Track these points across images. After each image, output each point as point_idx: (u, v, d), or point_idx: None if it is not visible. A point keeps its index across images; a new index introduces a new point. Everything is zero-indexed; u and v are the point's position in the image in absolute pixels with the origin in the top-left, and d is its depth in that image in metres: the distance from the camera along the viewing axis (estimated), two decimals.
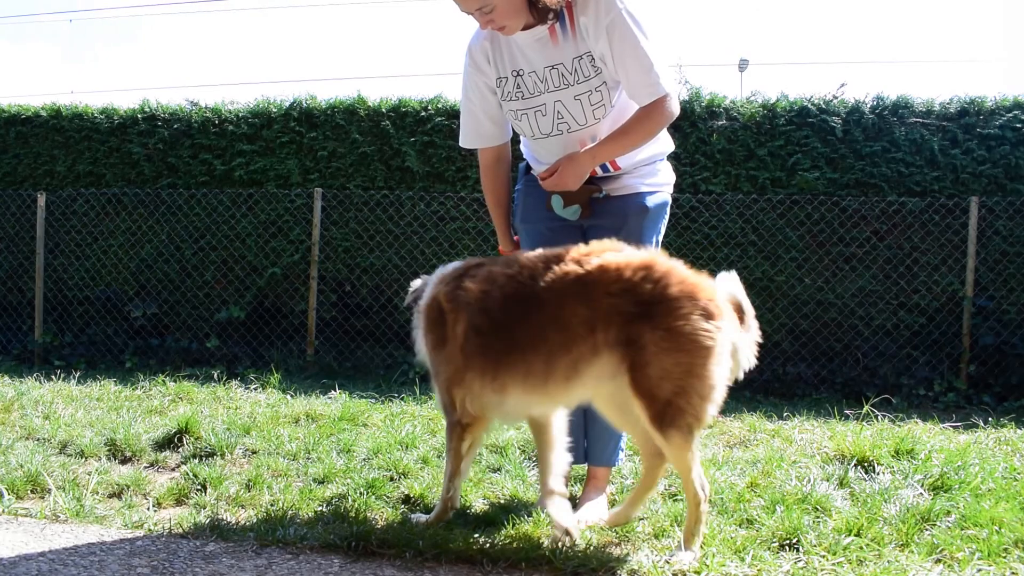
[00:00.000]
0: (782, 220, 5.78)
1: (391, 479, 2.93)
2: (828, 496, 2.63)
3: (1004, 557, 2.18)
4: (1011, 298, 5.60)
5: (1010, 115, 5.68)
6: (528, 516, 2.49)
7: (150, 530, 2.42)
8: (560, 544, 2.22)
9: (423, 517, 2.46)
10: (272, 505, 2.65)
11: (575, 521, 2.35)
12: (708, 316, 2.09)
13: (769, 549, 2.24)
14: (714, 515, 2.53)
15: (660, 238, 2.72)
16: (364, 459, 3.19)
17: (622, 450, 2.81)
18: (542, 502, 2.50)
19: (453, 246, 6.15)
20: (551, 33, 2.44)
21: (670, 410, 2.08)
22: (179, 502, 2.76)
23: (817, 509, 2.54)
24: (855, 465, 3.04)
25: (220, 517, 2.52)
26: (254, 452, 3.32)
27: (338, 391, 4.86)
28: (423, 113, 6.32)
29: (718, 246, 5.84)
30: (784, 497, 2.64)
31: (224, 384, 5.01)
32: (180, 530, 2.41)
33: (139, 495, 2.80)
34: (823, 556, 2.17)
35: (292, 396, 4.71)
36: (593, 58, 2.44)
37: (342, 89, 40.04)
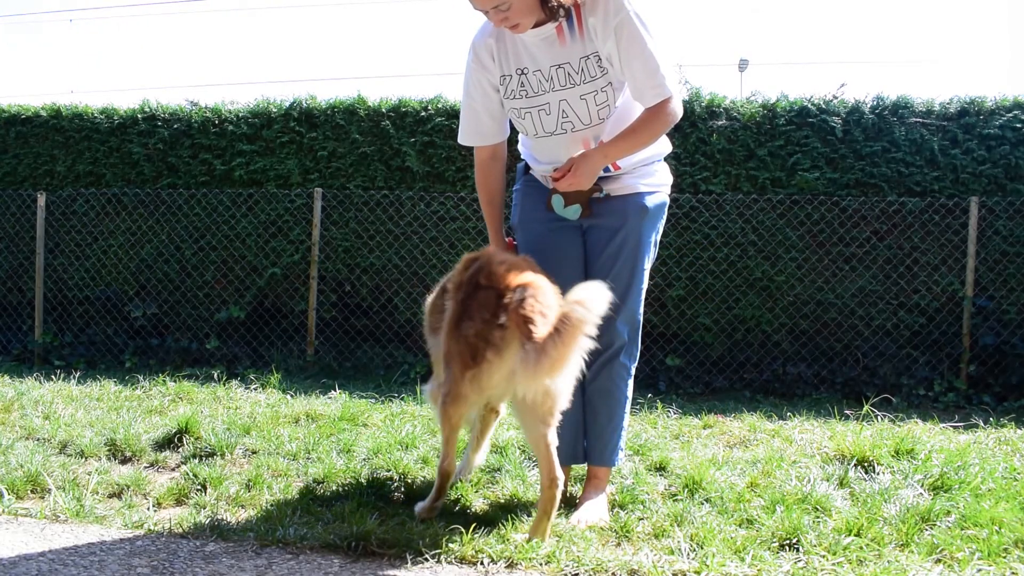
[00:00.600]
0: (782, 220, 5.78)
1: (391, 479, 2.94)
2: (828, 496, 2.63)
3: (1004, 557, 2.18)
4: (1011, 298, 5.60)
5: (1010, 115, 5.67)
6: (528, 516, 2.49)
7: (150, 530, 2.42)
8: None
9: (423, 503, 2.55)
10: (272, 505, 2.65)
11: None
12: None
13: (769, 549, 2.24)
14: (714, 515, 2.53)
15: (659, 238, 2.73)
16: (364, 459, 3.19)
17: (622, 450, 2.81)
18: (462, 473, 2.82)
19: (453, 246, 6.15)
20: (558, 32, 2.45)
21: None
22: (179, 502, 2.76)
23: (817, 509, 2.54)
24: (855, 465, 3.04)
25: (220, 517, 2.52)
26: (254, 452, 3.32)
27: (338, 391, 4.86)
28: (423, 113, 6.32)
29: (718, 246, 5.84)
30: (784, 497, 2.64)
31: (224, 384, 5.01)
32: (180, 530, 2.41)
33: (139, 495, 2.80)
34: (823, 556, 2.17)
35: (292, 396, 4.71)
36: (600, 58, 2.45)
37: (342, 89, 40.14)
